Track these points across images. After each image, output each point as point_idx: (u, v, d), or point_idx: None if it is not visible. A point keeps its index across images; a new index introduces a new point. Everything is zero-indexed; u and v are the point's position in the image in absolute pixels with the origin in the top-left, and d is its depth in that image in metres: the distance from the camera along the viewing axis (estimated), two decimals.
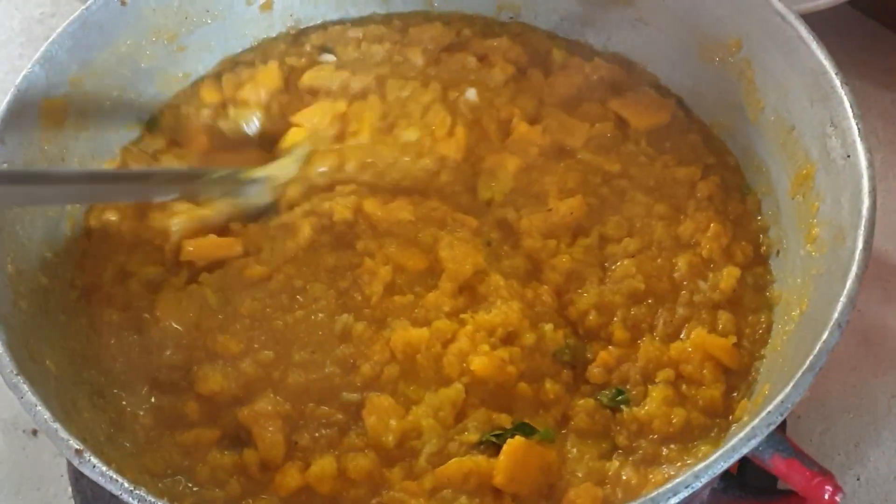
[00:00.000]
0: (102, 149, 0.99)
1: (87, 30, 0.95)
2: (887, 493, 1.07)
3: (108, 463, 0.67)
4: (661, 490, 0.64)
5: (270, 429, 0.81)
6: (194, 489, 0.79)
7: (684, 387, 0.84)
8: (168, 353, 0.87)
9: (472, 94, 1.04)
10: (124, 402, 0.84)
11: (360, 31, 1.10)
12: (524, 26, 1.12)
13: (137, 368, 0.86)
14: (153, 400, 0.85)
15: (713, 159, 1.01)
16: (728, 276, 0.90)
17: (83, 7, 0.94)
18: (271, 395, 0.84)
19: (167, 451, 0.81)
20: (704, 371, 0.84)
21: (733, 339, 0.87)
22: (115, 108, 1.00)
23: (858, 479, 1.08)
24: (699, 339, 0.86)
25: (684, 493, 0.64)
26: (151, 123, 1.04)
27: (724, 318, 0.89)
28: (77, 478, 0.99)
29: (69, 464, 0.99)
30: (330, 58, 1.09)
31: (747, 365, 0.86)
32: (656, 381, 0.84)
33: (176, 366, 0.86)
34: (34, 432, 1.12)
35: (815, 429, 1.11)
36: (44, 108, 0.91)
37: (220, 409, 0.84)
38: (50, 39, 0.92)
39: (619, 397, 0.84)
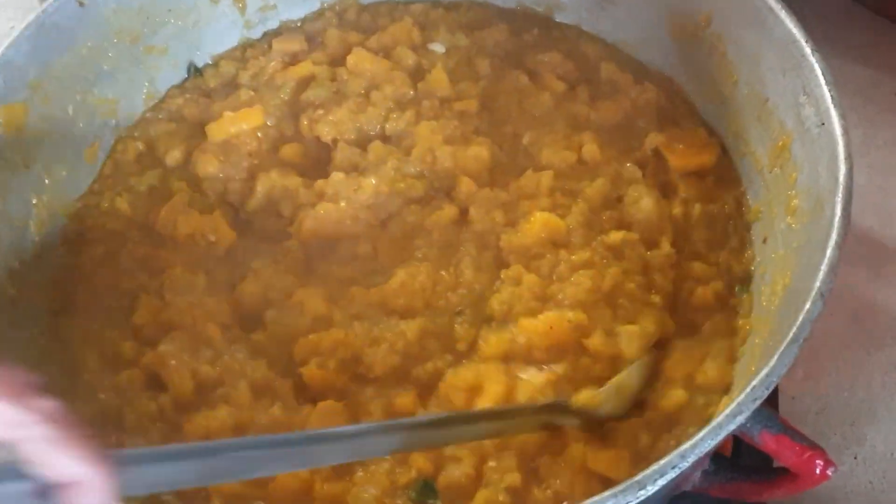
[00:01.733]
0: (68, 154, 0.98)
1: (45, 32, 0.93)
2: (885, 470, 1.06)
3: None
4: (647, 472, 0.62)
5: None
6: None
7: None
8: None
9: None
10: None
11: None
12: (579, 31, 1.10)
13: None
14: None
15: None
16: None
17: (39, 9, 0.92)
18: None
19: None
20: None
21: None
22: (79, 112, 0.98)
23: (856, 458, 1.07)
24: None
25: (671, 475, 0.62)
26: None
27: None
28: None
29: None
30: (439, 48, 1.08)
31: None
32: None
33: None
34: None
35: (810, 409, 1.10)
36: (2, 114, 0.89)
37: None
38: (6, 44, 0.90)
39: None
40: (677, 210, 0.94)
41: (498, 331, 0.85)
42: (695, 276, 0.90)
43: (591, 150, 0.97)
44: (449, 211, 0.95)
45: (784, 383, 1.07)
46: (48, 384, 0.79)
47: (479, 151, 0.98)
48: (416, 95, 1.04)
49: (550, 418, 0.79)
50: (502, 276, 0.90)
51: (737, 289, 0.89)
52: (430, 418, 0.79)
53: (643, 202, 0.93)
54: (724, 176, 0.96)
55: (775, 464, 0.77)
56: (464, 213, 0.95)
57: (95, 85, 0.99)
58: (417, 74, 1.06)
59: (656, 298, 0.87)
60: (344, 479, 0.79)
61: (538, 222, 0.91)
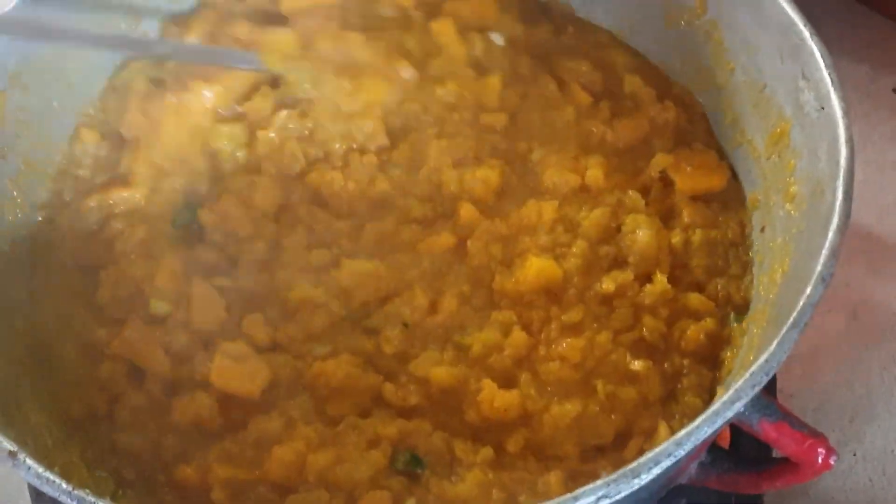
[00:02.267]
0: (49, 147, 0.97)
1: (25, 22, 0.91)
2: (884, 466, 1.07)
3: (50, 466, 0.63)
4: (641, 460, 0.61)
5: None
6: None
7: None
8: None
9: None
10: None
11: None
12: (611, 37, 1.08)
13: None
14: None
15: None
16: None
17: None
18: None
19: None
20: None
21: None
22: (63, 104, 0.97)
23: (855, 455, 1.09)
24: None
25: (667, 463, 0.61)
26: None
27: None
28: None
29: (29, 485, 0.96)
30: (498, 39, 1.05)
31: None
32: None
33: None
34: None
35: (808, 405, 1.11)
36: None
37: None
38: None
39: None
40: (677, 238, 0.92)
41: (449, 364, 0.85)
42: (690, 310, 0.88)
43: (594, 175, 0.95)
44: (446, 239, 0.93)
45: (782, 381, 1.09)
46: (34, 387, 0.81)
47: (488, 175, 0.95)
48: (456, 102, 1.01)
49: None
50: (492, 318, 0.88)
51: (731, 317, 0.87)
52: None
53: (640, 233, 0.90)
54: (730, 202, 0.95)
55: (774, 455, 0.76)
56: (461, 242, 0.93)
57: (78, 76, 0.98)
58: (478, 68, 1.02)
59: (639, 366, 0.84)
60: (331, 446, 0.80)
61: (533, 270, 0.88)
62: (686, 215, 0.93)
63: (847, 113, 0.76)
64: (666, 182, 0.96)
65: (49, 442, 0.75)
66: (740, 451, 0.85)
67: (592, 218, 0.92)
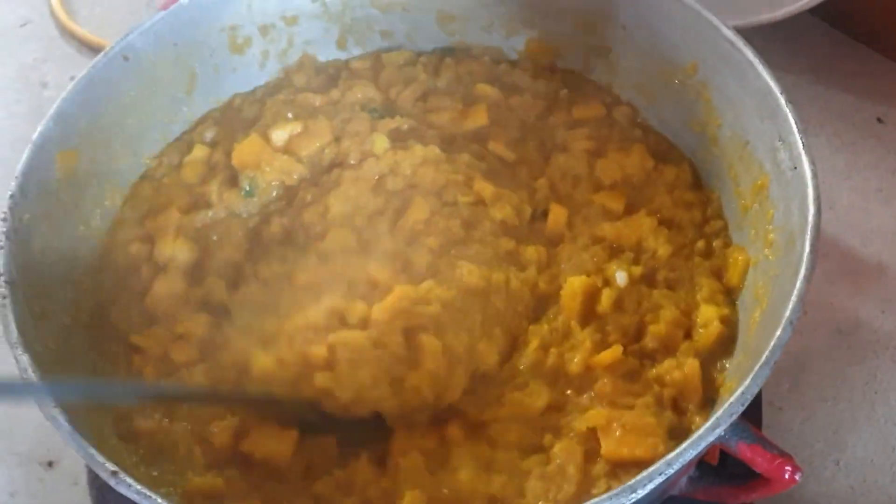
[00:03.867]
0: (114, 192, 1.05)
1: (94, 85, 1.01)
2: (865, 475, 1.12)
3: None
4: (637, 478, 0.70)
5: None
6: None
7: None
8: None
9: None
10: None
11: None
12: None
13: None
14: None
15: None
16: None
17: (90, 65, 1.01)
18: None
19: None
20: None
21: None
22: (122, 153, 1.06)
23: (838, 464, 1.12)
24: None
25: (659, 480, 0.71)
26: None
27: None
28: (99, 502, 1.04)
29: (92, 492, 1.04)
30: None
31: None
32: None
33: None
34: (49, 464, 1.15)
35: (795, 418, 1.16)
36: (59, 160, 0.97)
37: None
38: (62, 97, 0.98)
39: None
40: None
41: None
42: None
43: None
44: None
45: (771, 395, 1.14)
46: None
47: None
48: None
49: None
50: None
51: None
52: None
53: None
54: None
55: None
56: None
57: (138, 131, 1.07)
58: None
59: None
60: None
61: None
62: None
63: (815, 174, 0.82)
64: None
65: (128, 463, 0.84)
66: (727, 467, 0.90)
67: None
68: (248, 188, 1.03)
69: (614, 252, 0.98)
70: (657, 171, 1.05)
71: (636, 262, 0.96)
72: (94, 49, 1.60)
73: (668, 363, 0.87)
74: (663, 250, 0.97)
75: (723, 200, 1.01)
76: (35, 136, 0.95)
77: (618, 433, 0.81)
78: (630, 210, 1.02)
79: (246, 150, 1.04)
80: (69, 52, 1.64)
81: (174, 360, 0.93)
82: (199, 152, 1.08)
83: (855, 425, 1.15)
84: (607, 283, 0.94)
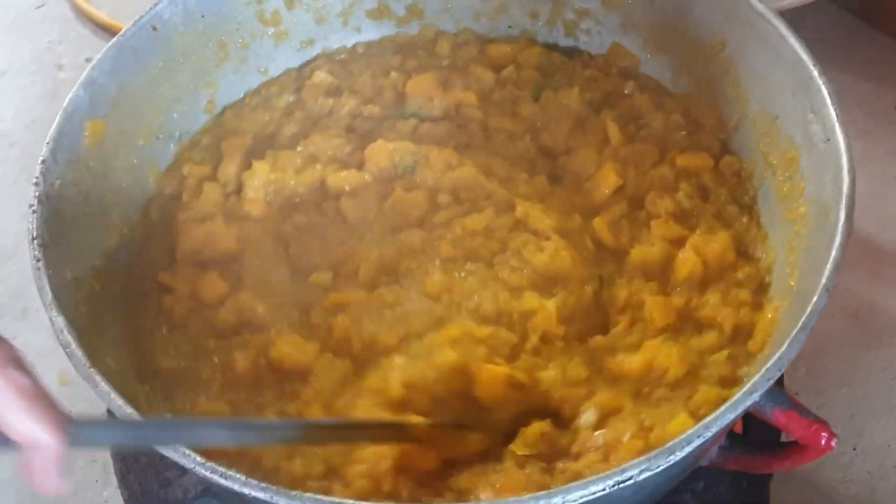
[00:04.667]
0: (142, 165, 1.06)
1: (123, 54, 1.02)
2: (882, 460, 1.12)
3: None
4: (675, 440, 0.70)
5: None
6: None
7: None
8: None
9: None
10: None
11: None
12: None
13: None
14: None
15: None
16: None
17: (119, 34, 1.01)
18: None
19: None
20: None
21: None
22: (151, 127, 1.06)
23: (855, 449, 1.12)
24: None
25: (697, 443, 0.70)
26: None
27: None
28: (123, 475, 1.04)
29: (115, 462, 1.05)
30: None
31: None
32: None
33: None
34: None
35: (812, 404, 1.06)
36: (88, 129, 0.97)
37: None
38: (91, 64, 0.98)
39: None
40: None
41: None
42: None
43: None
44: None
45: (788, 380, 1.13)
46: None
47: None
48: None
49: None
50: None
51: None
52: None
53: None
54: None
55: (783, 438, 0.84)
56: None
57: (167, 103, 1.07)
58: None
59: None
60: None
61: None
62: None
63: (850, 146, 0.83)
64: None
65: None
66: (751, 435, 0.92)
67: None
68: None
69: None
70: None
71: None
72: (109, 31, 1.60)
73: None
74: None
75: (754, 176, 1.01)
76: (65, 102, 0.95)
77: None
78: None
79: None
80: (84, 34, 1.65)
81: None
82: None
83: (872, 411, 1.16)
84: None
